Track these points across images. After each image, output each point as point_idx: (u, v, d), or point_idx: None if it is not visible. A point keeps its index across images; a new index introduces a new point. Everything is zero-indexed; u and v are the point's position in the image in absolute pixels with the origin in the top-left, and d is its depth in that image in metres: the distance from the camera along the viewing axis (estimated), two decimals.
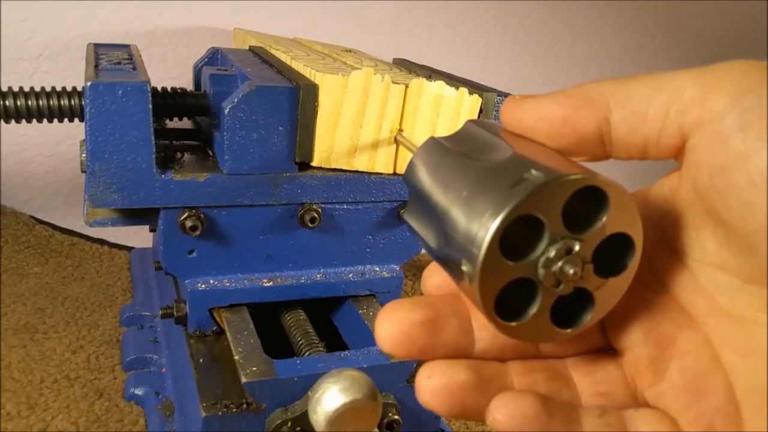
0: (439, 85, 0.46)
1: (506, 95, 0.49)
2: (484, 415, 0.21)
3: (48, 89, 0.43)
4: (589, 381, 0.23)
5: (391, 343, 0.21)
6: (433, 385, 0.21)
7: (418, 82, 0.45)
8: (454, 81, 0.50)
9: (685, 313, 0.22)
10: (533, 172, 0.20)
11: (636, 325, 0.23)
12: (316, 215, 0.47)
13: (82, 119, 0.42)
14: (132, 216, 0.45)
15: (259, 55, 0.54)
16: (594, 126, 0.21)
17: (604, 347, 0.24)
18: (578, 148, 0.22)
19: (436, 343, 0.22)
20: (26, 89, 0.43)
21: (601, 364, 0.24)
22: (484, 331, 0.23)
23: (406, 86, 0.45)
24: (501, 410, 0.21)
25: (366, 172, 0.47)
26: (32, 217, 0.74)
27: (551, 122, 0.22)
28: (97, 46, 0.54)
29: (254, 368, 0.41)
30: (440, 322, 0.22)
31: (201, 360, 0.46)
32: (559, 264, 0.20)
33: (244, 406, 0.41)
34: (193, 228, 0.44)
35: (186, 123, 0.55)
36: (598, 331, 0.24)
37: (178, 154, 0.47)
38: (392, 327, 0.21)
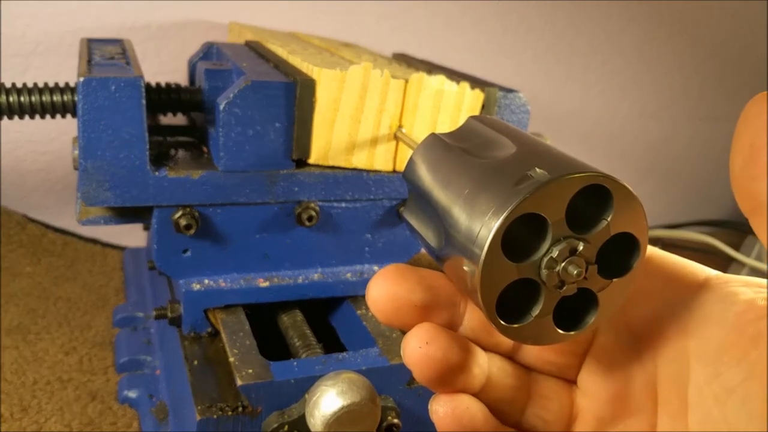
0: (440, 79, 0.45)
1: (509, 91, 0.48)
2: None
3: (41, 85, 0.43)
4: (541, 405, 0.24)
5: (378, 310, 0.22)
6: (426, 354, 0.21)
7: (418, 77, 0.44)
8: (454, 75, 0.49)
9: (653, 399, 0.22)
10: (537, 170, 0.19)
11: (611, 385, 0.23)
12: (313, 213, 0.46)
13: (75, 115, 0.42)
14: (125, 214, 0.44)
15: (255, 49, 0.54)
16: None
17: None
18: None
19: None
20: (19, 85, 0.42)
21: (560, 395, 0.24)
22: (468, 332, 0.23)
23: (406, 81, 0.44)
24: (446, 409, 0.21)
25: (365, 170, 0.46)
26: (25, 215, 0.74)
27: None
28: (90, 41, 0.53)
29: (250, 370, 0.41)
30: (434, 310, 0.22)
31: (196, 362, 0.45)
32: (563, 264, 0.20)
33: (240, 409, 0.40)
34: (188, 227, 0.43)
35: (180, 119, 0.54)
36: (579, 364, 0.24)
37: (172, 151, 0.46)
38: (387, 298, 0.21)
